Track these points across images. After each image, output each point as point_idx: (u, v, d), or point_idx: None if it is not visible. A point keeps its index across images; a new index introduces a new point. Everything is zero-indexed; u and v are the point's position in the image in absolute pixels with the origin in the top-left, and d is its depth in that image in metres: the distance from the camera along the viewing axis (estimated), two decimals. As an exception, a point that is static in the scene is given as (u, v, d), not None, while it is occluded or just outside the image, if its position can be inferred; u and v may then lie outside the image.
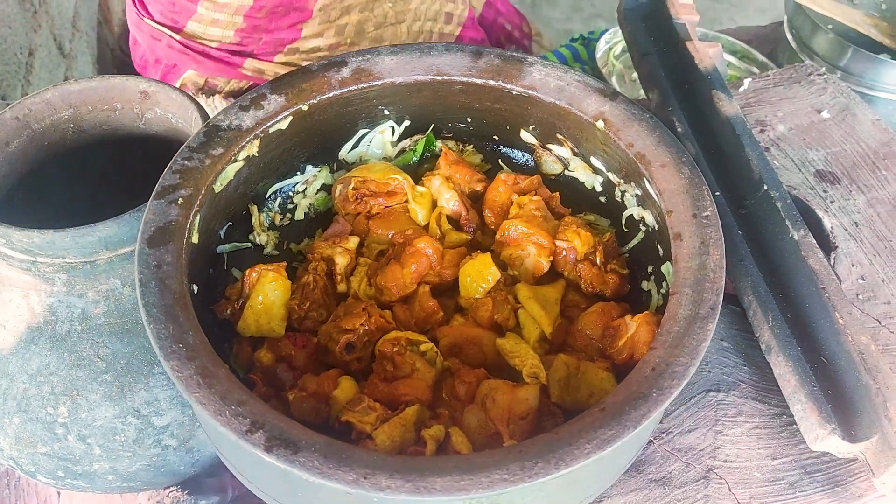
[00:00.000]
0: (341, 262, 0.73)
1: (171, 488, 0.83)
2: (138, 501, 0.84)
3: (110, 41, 2.64)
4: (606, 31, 1.61)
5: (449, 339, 0.69)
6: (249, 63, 1.22)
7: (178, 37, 1.18)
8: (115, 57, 2.57)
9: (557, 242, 0.73)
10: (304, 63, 1.23)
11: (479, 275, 0.71)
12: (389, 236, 0.75)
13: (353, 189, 0.77)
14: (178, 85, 1.27)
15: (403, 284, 0.71)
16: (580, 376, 0.65)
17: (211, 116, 0.72)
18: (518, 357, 0.67)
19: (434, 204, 0.77)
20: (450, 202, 0.76)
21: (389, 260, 0.72)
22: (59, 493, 0.88)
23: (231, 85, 1.26)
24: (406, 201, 0.77)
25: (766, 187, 0.83)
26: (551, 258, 0.73)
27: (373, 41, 1.26)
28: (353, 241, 0.74)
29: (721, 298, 0.59)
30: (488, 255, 0.72)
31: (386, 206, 0.77)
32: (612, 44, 1.60)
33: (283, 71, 1.21)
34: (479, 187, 0.79)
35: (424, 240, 0.72)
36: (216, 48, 1.19)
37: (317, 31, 1.21)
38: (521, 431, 0.62)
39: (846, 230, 0.90)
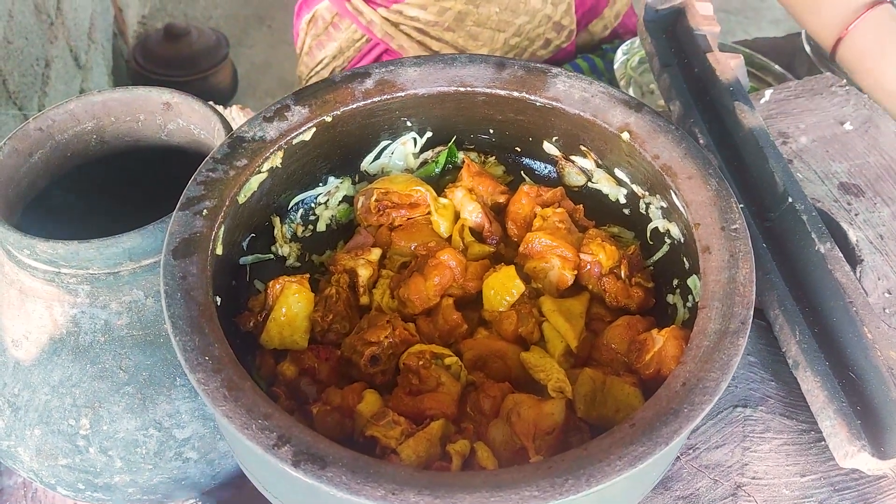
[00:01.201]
0: (364, 274, 0.72)
1: (191, 500, 0.83)
2: (157, 514, 0.84)
3: (125, 53, 2.66)
4: (624, 42, 1.61)
5: (473, 353, 0.68)
6: (356, 1, 1.27)
7: None
8: (130, 68, 2.59)
9: (582, 255, 0.72)
10: (403, 26, 1.26)
11: (503, 287, 0.70)
12: (412, 248, 0.75)
13: (376, 201, 0.76)
14: (311, 14, 1.35)
15: (427, 297, 0.70)
16: (606, 391, 0.65)
17: (233, 128, 0.71)
18: (543, 371, 0.66)
19: (457, 216, 0.77)
20: (472, 214, 0.76)
21: (412, 272, 0.72)
22: (76, 505, 0.87)
23: (349, 33, 1.31)
24: (428, 213, 0.76)
25: (790, 200, 0.82)
26: (576, 271, 0.72)
27: (468, 35, 1.30)
28: (376, 253, 0.74)
29: (752, 312, 0.58)
30: (512, 267, 0.71)
31: (408, 218, 0.76)
32: (629, 55, 1.60)
33: (378, 21, 1.28)
34: (501, 199, 0.78)
35: (447, 252, 0.71)
36: None
37: (420, 3, 1.25)
38: (546, 447, 0.61)
39: (871, 243, 0.89)
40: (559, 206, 0.75)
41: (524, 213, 0.76)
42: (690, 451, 0.71)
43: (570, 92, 0.74)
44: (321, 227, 0.79)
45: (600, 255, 0.71)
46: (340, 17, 1.32)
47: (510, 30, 1.32)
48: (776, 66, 1.53)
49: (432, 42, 1.32)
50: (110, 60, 2.51)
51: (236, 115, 1.37)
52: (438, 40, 1.32)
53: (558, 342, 0.69)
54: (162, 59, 2.53)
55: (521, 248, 0.74)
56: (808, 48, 1.48)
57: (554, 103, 0.74)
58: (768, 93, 1.07)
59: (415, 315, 0.71)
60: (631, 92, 1.51)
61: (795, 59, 1.56)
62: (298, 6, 1.41)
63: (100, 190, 0.84)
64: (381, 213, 0.76)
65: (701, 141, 0.90)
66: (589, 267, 0.72)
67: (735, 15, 3.23)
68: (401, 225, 0.76)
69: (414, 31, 1.29)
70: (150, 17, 3.04)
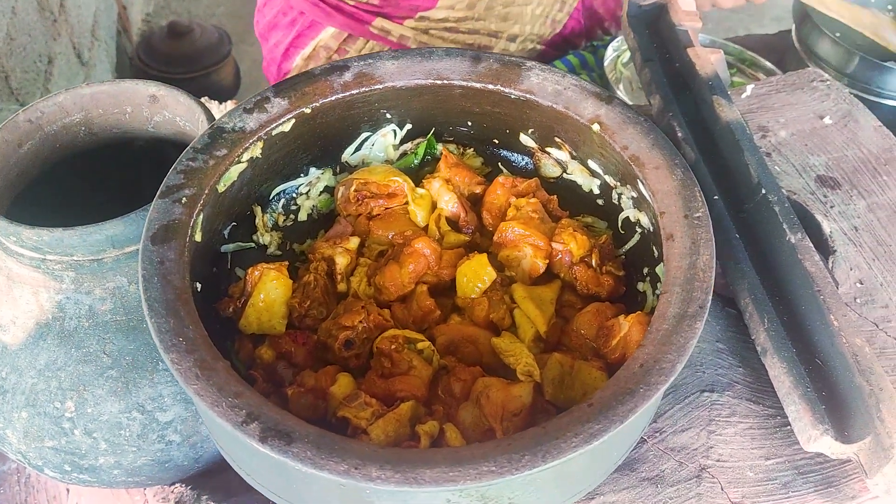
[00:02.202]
0: (341, 261, 0.74)
1: (177, 484, 0.85)
2: (144, 497, 0.86)
3: (129, 50, 2.69)
4: (614, 38, 1.62)
5: (445, 338, 0.70)
6: (378, 22, 1.27)
7: None
8: (134, 66, 2.61)
9: (553, 244, 0.74)
10: (433, 30, 1.27)
11: (475, 275, 0.72)
12: (389, 237, 0.77)
13: (355, 191, 0.78)
14: (310, 49, 1.34)
15: (402, 284, 0.72)
16: (574, 375, 0.67)
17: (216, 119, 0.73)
18: (513, 356, 0.68)
19: (434, 206, 0.79)
20: (449, 204, 0.78)
21: (388, 260, 0.74)
22: (67, 490, 0.90)
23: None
24: (406, 203, 0.78)
25: (764, 191, 0.83)
26: (547, 260, 0.74)
27: (500, 18, 1.31)
28: (354, 242, 0.76)
29: (710, 297, 0.60)
30: (484, 255, 0.73)
31: (386, 208, 0.78)
32: (619, 52, 1.61)
33: (409, 34, 1.29)
34: (478, 190, 0.80)
35: (423, 240, 0.73)
36: (352, 5, 1.25)
37: (449, 4, 1.25)
38: (514, 428, 0.63)
39: (846, 234, 0.90)
40: (533, 197, 0.77)
41: (499, 203, 0.78)
42: (657, 435, 0.72)
43: (543, 84, 0.75)
44: (302, 216, 0.81)
45: (571, 244, 0.73)
46: (349, 42, 1.31)
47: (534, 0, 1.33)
48: (766, 62, 1.54)
49: (465, 36, 1.33)
50: (114, 57, 2.53)
51: (230, 110, 1.39)
52: (469, 33, 1.32)
53: (529, 328, 0.70)
54: (165, 57, 2.56)
55: (495, 238, 0.75)
56: (797, 44, 1.49)
57: (528, 96, 0.75)
58: (750, 87, 1.08)
59: (390, 301, 0.73)
60: (621, 87, 1.52)
61: (786, 55, 1.57)
62: (286, 48, 1.37)
63: (89, 181, 0.86)
64: (360, 202, 0.78)
65: (679, 134, 0.92)
66: (560, 256, 0.73)
67: (736, 12, 3.23)
68: (379, 214, 0.78)
69: (445, 32, 1.29)
70: (153, 14, 3.07)
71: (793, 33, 1.53)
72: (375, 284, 0.73)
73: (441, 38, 1.29)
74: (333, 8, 1.27)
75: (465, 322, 0.72)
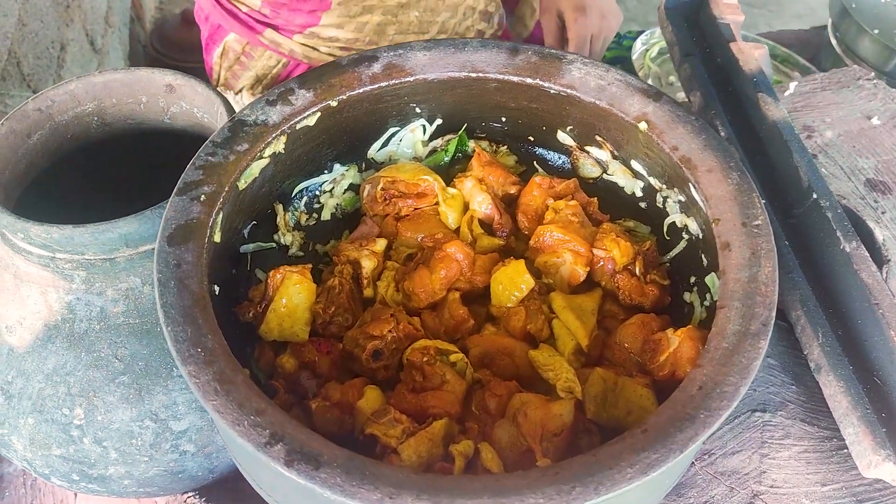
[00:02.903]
0: (368, 265, 0.70)
1: (188, 494, 0.81)
2: (155, 506, 0.82)
3: (142, 38, 2.65)
4: (643, 32, 1.57)
5: (480, 349, 0.66)
6: (269, 33, 1.23)
7: None
8: (147, 54, 2.57)
9: (595, 251, 0.69)
10: (323, 48, 1.22)
11: (511, 283, 0.67)
12: (419, 239, 0.72)
13: (382, 189, 0.74)
14: (221, 48, 1.30)
15: (432, 291, 0.68)
16: (618, 392, 0.62)
17: (237, 111, 0.69)
18: (552, 370, 0.64)
19: (466, 207, 0.74)
20: (482, 205, 0.73)
21: (418, 265, 0.69)
22: (75, 495, 0.86)
23: (264, 61, 1.27)
24: (436, 203, 0.74)
25: (815, 196, 0.79)
26: (588, 267, 0.69)
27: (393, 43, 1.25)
28: (381, 244, 0.71)
29: (773, 314, 0.55)
30: (522, 262, 0.68)
31: (415, 209, 0.74)
32: (648, 45, 1.56)
33: (299, 49, 1.23)
34: (512, 190, 0.75)
35: (455, 244, 0.69)
36: (245, 12, 1.21)
37: (336, 23, 1.21)
38: (554, 449, 0.59)
39: (899, 243, 0.85)
40: (572, 199, 0.72)
41: (536, 205, 0.73)
42: (706, 457, 0.68)
43: (585, 79, 0.71)
44: (326, 215, 0.77)
45: (614, 250, 0.68)
46: (252, 47, 1.27)
47: (434, 29, 1.27)
48: (800, 59, 1.49)
49: None
50: (127, 45, 2.49)
51: (247, 101, 1.35)
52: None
53: (569, 340, 0.66)
54: (179, 45, 2.52)
55: (531, 242, 0.71)
56: (833, 41, 1.44)
57: (569, 91, 0.71)
58: (793, 85, 1.03)
59: (420, 309, 0.68)
60: (649, 83, 1.47)
61: (821, 52, 1.51)
62: (205, 42, 1.35)
63: (101, 174, 0.82)
64: (388, 202, 0.74)
65: (722, 133, 0.87)
66: (602, 263, 0.69)
67: (758, 8, 3.17)
68: (407, 215, 0.74)
69: (337, 50, 1.24)
70: (167, 2, 3.03)
71: (829, 29, 1.47)
72: (404, 290, 0.69)
73: (331, 55, 1.25)
74: (228, 12, 1.24)
75: (500, 333, 0.67)
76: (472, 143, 0.79)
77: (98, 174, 0.81)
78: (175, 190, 0.62)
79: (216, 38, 1.31)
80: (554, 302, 0.68)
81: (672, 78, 1.51)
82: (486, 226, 0.74)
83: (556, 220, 0.71)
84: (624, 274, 0.68)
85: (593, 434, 0.61)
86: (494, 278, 0.68)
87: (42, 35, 1.76)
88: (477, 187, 0.74)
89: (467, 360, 0.64)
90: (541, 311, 0.67)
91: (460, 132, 0.78)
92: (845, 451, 0.68)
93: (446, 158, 0.79)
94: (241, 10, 1.22)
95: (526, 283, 0.67)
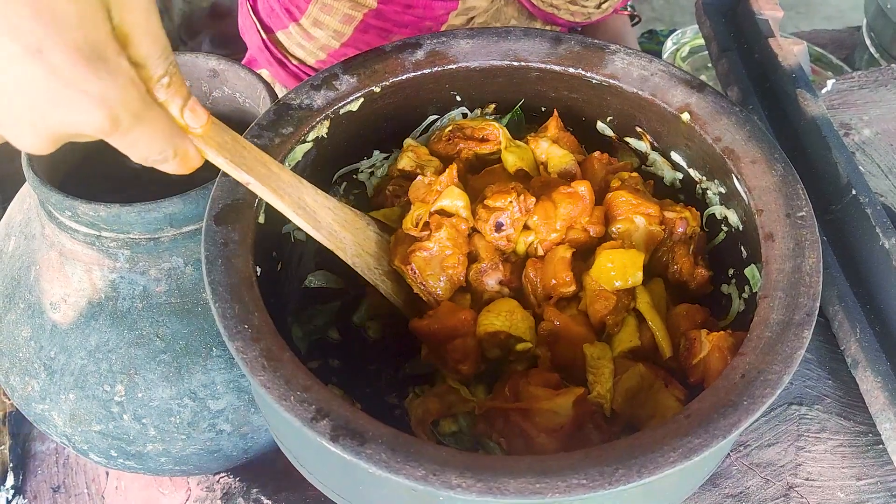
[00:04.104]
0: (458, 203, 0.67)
1: (222, 474, 0.82)
2: (188, 485, 0.83)
3: (170, 30, 2.67)
4: (674, 31, 1.57)
5: (550, 326, 0.64)
6: None
7: (264, 35, 1.19)
8: (175, 46, 2.60)
9: (666, 213, 0.68)
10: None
11: (622, 268, 0.65)
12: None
13: (449, 130, 0.73)
14: None
15: (552, 226, 0.66)
16: (652, 394, 0.61)
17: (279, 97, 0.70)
18: (593, 374, 0.62)
19: (534, 165, 0.73)
20: (563, 161, 0.71)
21: (539, 197, 0.67)
22: (107, 473, 0.87)
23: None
24: (497, 152, 0.72)
25: (854, 192, 0.78)
26: (664, 227, 0.68)
27: None
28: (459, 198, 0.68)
29: (818, 304, 0.55)
30: (640, 253, 0.66)
31: (476, 154, 0.73)
32: (679, 45, 1.56)
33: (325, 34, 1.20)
34: (574, 163, 0.73)
35: (584, 183, 0.67)
36: (295, 65, 1.19)
37: None
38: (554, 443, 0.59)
39: (937, 241, 0.85)
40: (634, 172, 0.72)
41: (597, 179, 0.72)
42: (741, 448, 0.68)
43: (628, 69, 0.71)
44: (370, 193, 0.77)
45: (686, 213, 0.67)
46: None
47: None
48: (833, 58, 1.48)
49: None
50: (155, 37, 2.51)
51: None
52: None
53: (630, 340, 0.64)
54: (206, 37, 2.54)
55: (602, 208, 0.69)
56: (868, 41, 1.43)
57: (611, 81, 0.71)
58: (830, 83, 1.03)
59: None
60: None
61: (855, 52, 1.50)
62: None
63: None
64: (450, 141, 0.73)
65: (760, 128, 0.87)
66: (674, 226, 0.68)
67: (787, 9, 3.15)
68: (468, 158, 0.73)
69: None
70: (195, -5, 3.05)
71: (863, 30, 1.46)
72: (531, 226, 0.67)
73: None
74: (277, 61, 1.20)
75: (577, 318, 0.65)
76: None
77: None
78: (222, 171, 0.63)
79: (252, 65, 1.28)
80: (640, 301, 0.65)
81: (703, 77, 1.51)
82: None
83: (622, 187, 0.69)
84: (682, 248, 0.68)
85: (603, 430, 0.60)
86: (605, 255, 0.66)
87: (76, 24, 1.78)
88: (555, 146, 0.73)
89: (532, 345, 0.64)
90: (626, 308, 0.65)
91: (515, 107, 0.78)
92: (881, 446, 0.68)
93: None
94: (290, 60, 1.20)
95: (636, 278, 0.64)
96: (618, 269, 0.65)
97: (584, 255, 0.68)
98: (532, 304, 0.67)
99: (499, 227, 0.65)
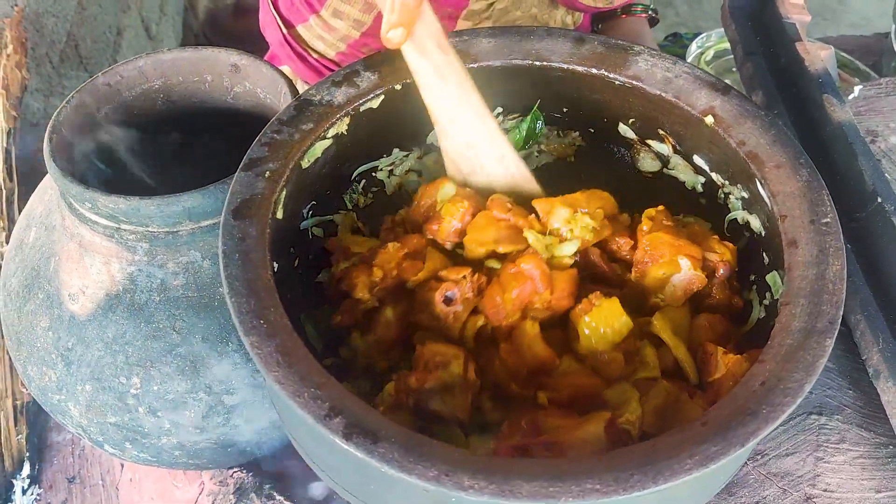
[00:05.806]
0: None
1: (235, 469, 0.82)
2: (201, 479, 0.83)
3: (195, 27, 2.69)
4: (699, 34, 1.56)
5: (568, 393, 0.61)
6: None
7: (285, 30, 1.19)
8: (199, 43, 2.61)
9: (707, 256, 0.64)
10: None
11: (606, 325, 0.61)
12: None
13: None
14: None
15: (505, 312, 0.62)
16: (678, 406, 0.60)
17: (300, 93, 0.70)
18: (620, 408, 0.59)
19: None
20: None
21: (490, 281, 0.64)
22: (122, 465, 0.87)
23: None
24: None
25: (879, 199, 0.77)
26: (705, 272, 0.64)
27: None
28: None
29: (841, 312, 0.54)
30: (615, 300, 0.61)
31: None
32: (703, 49, 1.54)
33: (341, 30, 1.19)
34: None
35: (531, 259, 0.62)
36: (315, 58, 1.19)
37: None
38: None
39: (964, 252, 0.83)
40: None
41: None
42: (758, 457, 0.67)
43: (652, 71, 0.70)
44: (388, 191, 0.77)
45: (726, 254, 0.64)
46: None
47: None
48: (860, 64, 1.46)
49: None
50: (180, 33, 2.53)
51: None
52: None
53: (652, 370, 0.62)
54: (230, 34, 2.55)
55: (637, 255, 0.65)
56: (896, 47, 1.41)
57: (634, 82, 0.70)
58: (857, 89, 1.01)
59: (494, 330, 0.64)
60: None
61: (883, 58, 1.48)
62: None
63: (161, 152, 0.83)
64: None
65: (784, 133, 0.86)
66: (717, 269, 0.65)
67: (813, 16, 3.11)
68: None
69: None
70: (219, -8, 3.07)
71: (892, 36, 1.44)
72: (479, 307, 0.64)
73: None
74: (298, 56, 1.20)
75: (585, 370, 0.61)
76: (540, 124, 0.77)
77: (159, 150, 0.83)
78: (241, 165, 0.63)
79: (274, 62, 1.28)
80: (662, 331, 0.62)
81: (727, 82, 1.49)
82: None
83: (657, 227, 0.66)
84: (721, 286, 0.65)
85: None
86: (583, 321, 0.61)
87: (100, 19, 1.80)
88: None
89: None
90: (638, 354, 0.62)
91: (533, 109, 0.77)
92: (903, 459, 0.66)
93: (519, 136, 0.78)
94: (310, 54, 1.19)
95: (624, 325, 0.61)
96: (606, 326, 0.61)
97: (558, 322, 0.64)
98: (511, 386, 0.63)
99: (448, 300, 0.62)
